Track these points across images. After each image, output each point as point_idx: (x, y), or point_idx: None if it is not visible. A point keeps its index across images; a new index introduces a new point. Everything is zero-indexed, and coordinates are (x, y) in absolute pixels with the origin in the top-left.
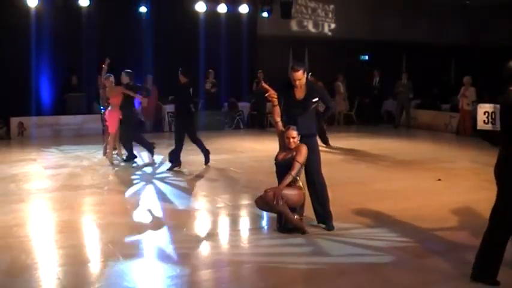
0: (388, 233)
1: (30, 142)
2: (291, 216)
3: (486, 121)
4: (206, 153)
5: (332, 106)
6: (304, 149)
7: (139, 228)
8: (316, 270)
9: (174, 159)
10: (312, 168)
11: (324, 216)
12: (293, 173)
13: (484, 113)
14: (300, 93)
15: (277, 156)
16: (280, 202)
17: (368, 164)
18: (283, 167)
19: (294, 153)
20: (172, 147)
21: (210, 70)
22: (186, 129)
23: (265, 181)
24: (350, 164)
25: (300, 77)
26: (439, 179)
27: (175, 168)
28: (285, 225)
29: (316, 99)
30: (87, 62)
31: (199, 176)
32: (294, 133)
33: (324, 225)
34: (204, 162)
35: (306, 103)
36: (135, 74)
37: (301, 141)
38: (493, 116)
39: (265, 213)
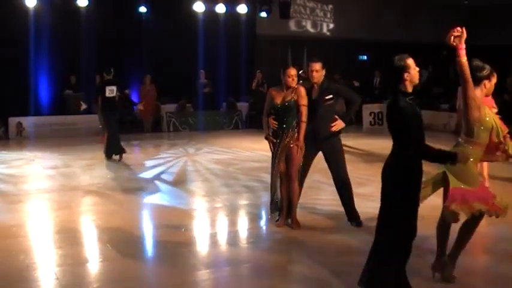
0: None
1: (29, 142)
2: (295, 209)
3: (373, 122)
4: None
5: (355, 99)
6: (303, 91)
7: (138, 228)
8: (313, 270)
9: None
10: (338, 171)
11: (351, 215)
12: (304, 118)
13: (370, 114)
14: (313, 93)
15: (274, 101)
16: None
17: (365, 164)
18: (283, 111)
19: (293, 96)
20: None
21: (201, 70)
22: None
23: (265, 181)
24: (348, 164)
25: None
26: None
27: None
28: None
29: (330, 96)
30: (86, 62)
31: (197, 176)
32: (294, 71)
33: (353, 223)
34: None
35: (318, 103)
36: (134, 74)
37: (322, 144)
38: (380, 117)
39: (263, 213)
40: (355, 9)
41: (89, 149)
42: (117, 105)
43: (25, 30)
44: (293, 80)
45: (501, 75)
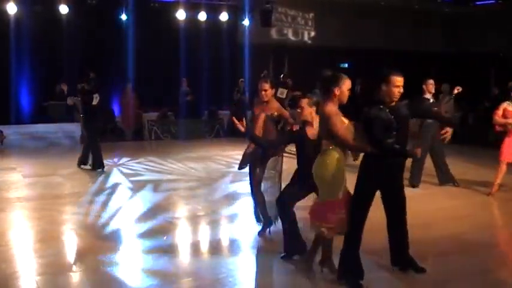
0: (369, 240)
1: (10, 151)
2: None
3: None
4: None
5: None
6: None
7: (119, 237)
8: (297, 278)
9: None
10: None
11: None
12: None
13: None
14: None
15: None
16: None
17: (349, 174)
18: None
19: (274, 112)
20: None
21: (183, 78)
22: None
23: (246, 190)
24: None
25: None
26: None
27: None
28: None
29: None
30: (68, 70)
31: (179, 184)
32: (266, 85)
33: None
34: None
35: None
36: (115, 82)
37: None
38: None
39: (246, 222)
40: (336, 17)
41: (71, 157)
42: (98, 113)
43: (5, 37)
44: (265, 94)
45: (483, 81)
